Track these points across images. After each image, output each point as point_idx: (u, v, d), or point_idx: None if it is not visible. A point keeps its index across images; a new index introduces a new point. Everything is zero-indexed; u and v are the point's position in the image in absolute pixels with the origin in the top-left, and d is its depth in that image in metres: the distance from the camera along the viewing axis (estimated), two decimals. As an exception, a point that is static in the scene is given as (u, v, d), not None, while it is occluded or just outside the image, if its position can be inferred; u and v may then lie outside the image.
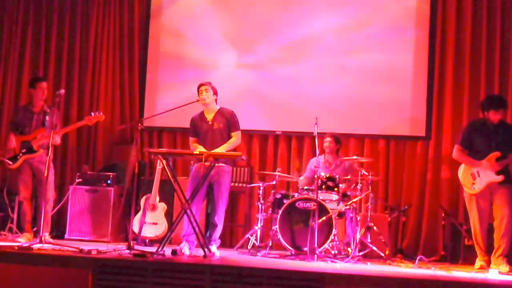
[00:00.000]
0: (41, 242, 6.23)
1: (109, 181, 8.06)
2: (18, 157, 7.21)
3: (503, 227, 6.39)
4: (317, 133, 6.87)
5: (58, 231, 8.11)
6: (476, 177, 6.51)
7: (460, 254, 7.39)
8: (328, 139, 7.70)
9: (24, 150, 7.21)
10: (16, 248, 5.95)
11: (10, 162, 7.25)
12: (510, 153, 6.44)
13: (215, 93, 6.85)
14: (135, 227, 7.43)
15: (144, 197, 7.72)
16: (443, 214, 7.84)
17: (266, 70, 8.73)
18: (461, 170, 6.69)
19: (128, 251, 5.97)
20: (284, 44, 8.71)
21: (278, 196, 7.39)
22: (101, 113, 7.34)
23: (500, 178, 6.40)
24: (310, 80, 8.60)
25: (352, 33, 8.55)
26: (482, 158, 6.51)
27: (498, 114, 6.55)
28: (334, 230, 6.76)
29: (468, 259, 6.96)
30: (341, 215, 7.15)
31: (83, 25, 9.19)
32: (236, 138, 6.81)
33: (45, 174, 6.67)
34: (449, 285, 5.23)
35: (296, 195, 7.21)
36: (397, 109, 8.37)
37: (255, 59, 8.79)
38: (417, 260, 6.38)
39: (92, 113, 7.33)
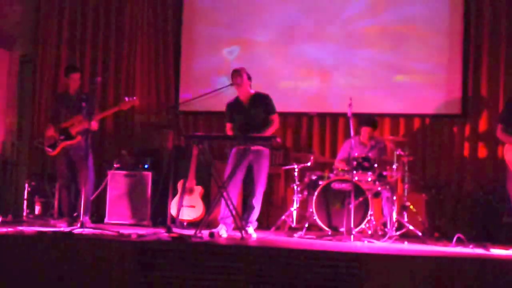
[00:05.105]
0: (81, 227, 6.37)
1: (146, 166, 8.17)
2: (57, 144, 7.35)
3: None
4: (352, 114, 6.85)
5: (97, 216, 8.25)
6: None
7: (499, 232, 7.31)
8: (364, 130, 7.60)
9: (62, 137, 7.33)
10: (58, 233, 6.07)
11: (50, 150, 7.39)
12: None
13: (249, 78, 6.86)
14: (173, 211, 7.52)
15: (181, 181, 7.81)
16: (481, 192, 7.78)
17: (301, 51, 8.68)
18: (507, 149, 6.36)
19: (167, 234, 6.07)
20: (318, 24, 8.66)
21: (314, 177, 7.41)
22: (134, 98, 7.41)
23: None
24: (344, 60, 8.56)
25: (383, 14, 8.49)
26: None
27: None
28: (370, 210, 6.77)
29: (507, 237, 6.89)
30: (377, 195, 7.15)
31: (118, 10, 9.22)
32: (275, 122, 6.81)
33: (84, 160, 6.80)
34: (488, 264, 5.19)
35: (331, 176, 7.23)
36: (433, 87, 8.28)
37: (290, 39, 8.74)
38: (455, 239, 6.33)
39: (126, 98, 7.39)
